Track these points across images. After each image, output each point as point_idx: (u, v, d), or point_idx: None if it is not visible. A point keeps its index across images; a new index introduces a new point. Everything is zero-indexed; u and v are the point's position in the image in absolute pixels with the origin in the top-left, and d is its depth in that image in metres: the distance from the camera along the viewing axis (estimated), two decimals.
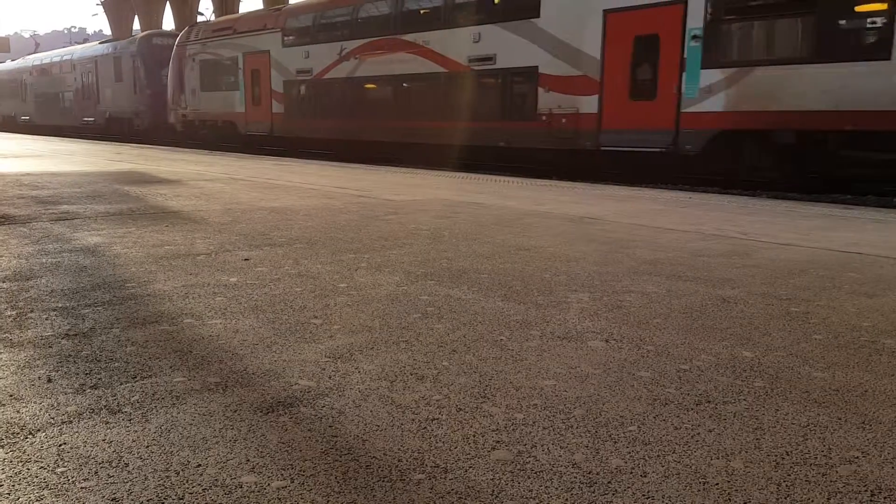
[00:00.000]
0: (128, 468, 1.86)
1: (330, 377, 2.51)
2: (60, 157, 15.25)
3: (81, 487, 1.76)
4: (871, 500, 1.74)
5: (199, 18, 39.93)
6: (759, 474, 1.86)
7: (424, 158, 15.51)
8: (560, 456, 1.94)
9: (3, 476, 1.82)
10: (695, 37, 11.22)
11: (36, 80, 38.59)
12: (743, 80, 10.83)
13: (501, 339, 2.96)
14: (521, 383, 2.47)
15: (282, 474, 1.84)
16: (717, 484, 1.81)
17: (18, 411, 2.21)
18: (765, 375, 2.58)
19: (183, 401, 2.29)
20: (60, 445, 1.98)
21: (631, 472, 1.86)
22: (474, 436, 2.06)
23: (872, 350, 2.88)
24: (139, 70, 27.95)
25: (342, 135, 18.37)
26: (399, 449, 1.98)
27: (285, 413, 2.21)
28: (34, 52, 51.48)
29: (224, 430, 2.08)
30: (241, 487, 1.77)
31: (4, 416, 2.17)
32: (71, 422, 2.13)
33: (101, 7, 49.22)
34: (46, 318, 3.20)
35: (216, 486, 1.78)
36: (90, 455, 1.93)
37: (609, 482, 1.81)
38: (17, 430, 2.08)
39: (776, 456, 1.96)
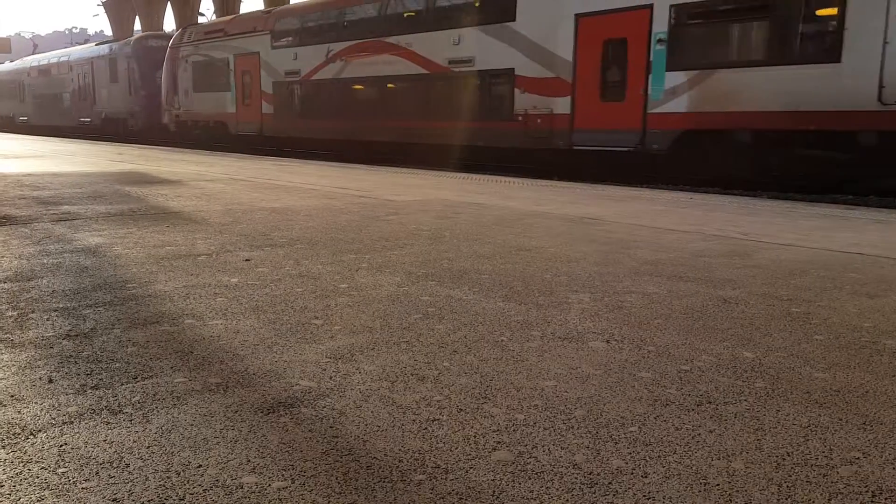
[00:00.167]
0: (129, 468, 1.86)
1: (331, 378, 2.52)
2: (61, 158, 15.26)
3: (82, 488, 1.76)
4: (872, 501, 1.74)
5: (201, 19, 39.97)
6: (760, 475, 1.86)
7: (416, 158, 15.79)
8: (561, 456, 1.94)
9: (4, 476, 1.82)
10: (660, 40, 11.65)
11: (33, 81, 38.81)
12: (704, 82, 11.28)
13: (502, 340, 2.96)
14: (522, 384, 2.47)
15: (282, 475, 1.84)
16: (718, 485, 1.80)
17: (19, 412, 2.21)
18: (766, 376, 2.58)
19: (184, 401, 2.30)
20: (61, 446, 1.98)
21: (632, 473, 1.86)
22: (475, 436, 2.06)
23: (873, 351, 2.87)
24: (134, 71, 28.31)
25: (329, 134, 18.80)
26: (400, 449, 1.98)
27: (286, 413, 2.21)
28: (32, 54, 51.61)
29: (225, 431, 2.08)
30: (242, 488, 1.77)
31: (5, 417, 2.17)
32: (72, 422, 2.14)
33: (101, 8, 49.26)
34: (47, 319, 3.20)
35: (217, 486, 1.78)
36: (91, 455, 1.93)
37: (610, 483, 1.81)
38: (18, 430, 2.08)
39: (777, 457, 1.96)
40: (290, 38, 19.99)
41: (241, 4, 36.76)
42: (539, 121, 13.69)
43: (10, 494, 1.73)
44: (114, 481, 1.80)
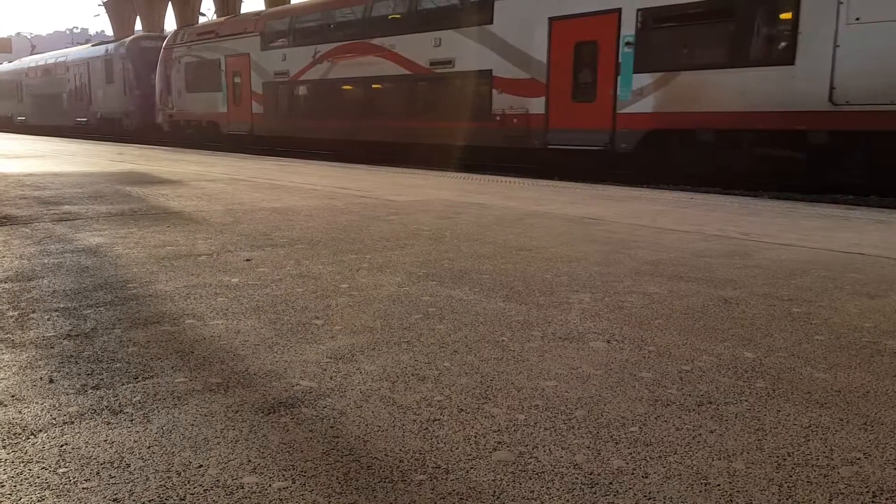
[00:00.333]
0: (129, 469, 1.86)
1: (331, 378, 2.52)
2: (62, 158, 15.27)
3: (83, 488, 1.76)
4: (872, 502, 1.74)
5: (201, 19, 40.01)
6: (761, 475, 1.85)
7: (401, 157, 16.25)
8: (561, 457, 1.94)
9: (5, 476, 1.82)
10: (628, 43, 12.12)
11: (31, 82, 39.04)
12: (669, 83, 11.75)
13: (503, 340, 2.96)
14: (523, 384, 2.47)
15: (283, 475, 1.84)
16: (719, 485, 1.80)
17: (20, 412, 2.21)
18: (766, 376, 2.57)
19: (184, 401, 2.30)
20: (62, 446, 1.98)
21: (632, 473, 1.86)
22: (476, 436, 2.06)
23: (874, 351, 2.87)
24: (129, 72, 28.69)
25: (316, 134, 19.27)
26: (400, 449, 1.98)
27: (287, 414, 2.21)
28: (31, 54, 51.76)
29: (225, 431, 2.08)
30: (243, 488, 1.77)
31: (6, 417, 2.17)
32: (72, 422, 2.14)
33: (103, 8, 49.28)
34: (48, 319, 3.20)
35: (217, 486, 1.78)
36: (92, 455, 1.93)
37: (610, 483, 1.81)
38: (18, 430, 2.09)
39: (778, 457, 1.96)
40: (279, 40, 20.49)
41: (242, 5, 36.81)
42: (516, 120, 14.14)
43: (10, 494, 1.73)
44: (114, 481, 1.80)
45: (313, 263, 4.45)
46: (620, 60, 12.21)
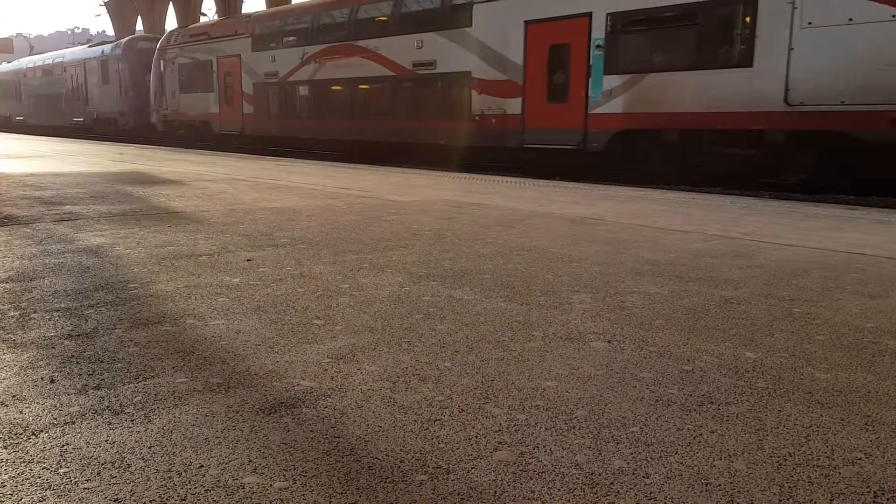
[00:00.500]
0: (130, 469, 1.86)
1: (332, 378, 2.52)
2: (63, 158, 15.28)
3: (84, 488, 1.77)
4: (874, 502, 1.74)
5: (202, 19, 40.05)
6: (762, 475, 1.85)
7: (382, 154, 16.73)
8: (562, 457, 1.94)
9: (6, 476, 1.82)
10: (598, 46, 12.57)
11: (30, 82, 39.22)
12: (637, 85, 12.16)
13: (504, 340, 2.96)
14: (524, 384, 2.47)
15: (284, 475, 1.84)
16: (720, 485, 1.80)
17: (21, 412, 2.21)
18: (767, 376, 2.57)
19: (185, 401, 2.30)
20: (63, 446, 1.99)
21: (633, 474, 1.86)
22: (476, 437, 2.06)
23: (875, 351, 2.87)
24: (124, 73, 29.01)
25: (305, 133, 19.73)
26: (401, 450, 1.98)
27: (287, 414, 2.21)
28: (30, 54, 51.89)
29: (226, 431, 2.08)
30: (244, 488, 1.77)
31: (7, 417, 2.18)
32: (74, 422, 2.14)
33: (104, 8, 49.31)
34: (49, 319, 3.20)
35: (218, 486, 1.78)
36: (93, 456, 1.93)
37: (611, 483, 1.81)
38: (20, 430, 2.09)
39: (779, 457, 1.96)
40: (269, 42, 20.88)
41: (244, 5, 36.83)
42: (494, 121, 14.53)
43: (11, 494, 1.73)
44: (115, 481, 1.80)
45: (314, 263, 4.45)
46: (591, 63, 12.63)
